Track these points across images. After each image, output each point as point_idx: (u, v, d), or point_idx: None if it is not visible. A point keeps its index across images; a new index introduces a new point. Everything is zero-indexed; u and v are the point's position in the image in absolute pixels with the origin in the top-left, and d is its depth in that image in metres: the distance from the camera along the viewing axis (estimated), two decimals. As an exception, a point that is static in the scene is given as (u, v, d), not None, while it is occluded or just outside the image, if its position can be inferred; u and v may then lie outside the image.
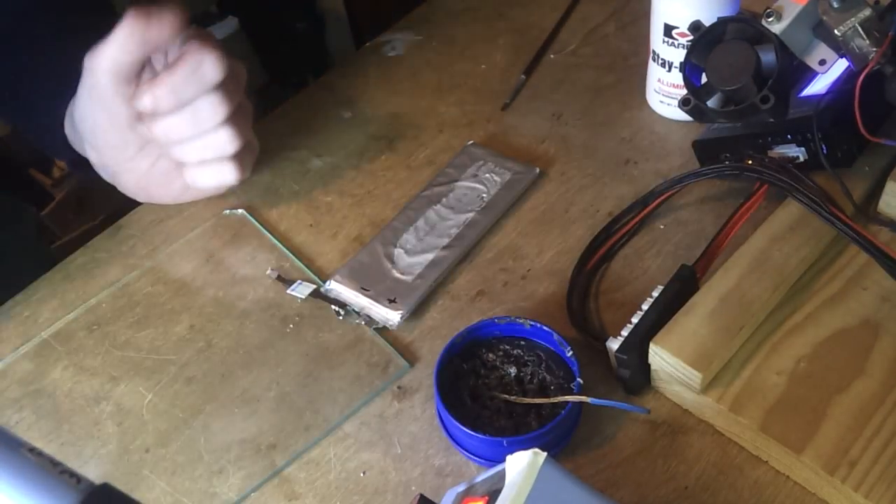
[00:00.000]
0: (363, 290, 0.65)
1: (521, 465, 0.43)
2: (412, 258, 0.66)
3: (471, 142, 0.76)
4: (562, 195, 0.71)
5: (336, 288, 0.65)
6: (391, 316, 0.63)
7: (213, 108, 0.60)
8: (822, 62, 0.60)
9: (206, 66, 0.58)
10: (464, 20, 0.91)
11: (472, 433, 0.53)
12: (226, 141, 0.62)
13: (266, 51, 1.58)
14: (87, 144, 0.65)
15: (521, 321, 0.59)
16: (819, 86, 0.64)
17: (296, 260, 0.69)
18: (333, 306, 0.65)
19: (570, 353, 0.57)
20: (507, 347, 0.59)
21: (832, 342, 0.57)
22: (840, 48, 0.58)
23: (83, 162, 0.68)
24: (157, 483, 0.57)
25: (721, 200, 0.68)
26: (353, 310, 0.64)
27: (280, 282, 0.67)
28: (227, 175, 0.65)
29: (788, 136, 0.62)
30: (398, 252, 0.67)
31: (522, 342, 0.59)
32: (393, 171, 0.75)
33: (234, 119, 0.62)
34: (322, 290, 0.66)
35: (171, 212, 0.74)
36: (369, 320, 0.64)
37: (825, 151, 0.61)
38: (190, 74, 0.58)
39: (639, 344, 0.55)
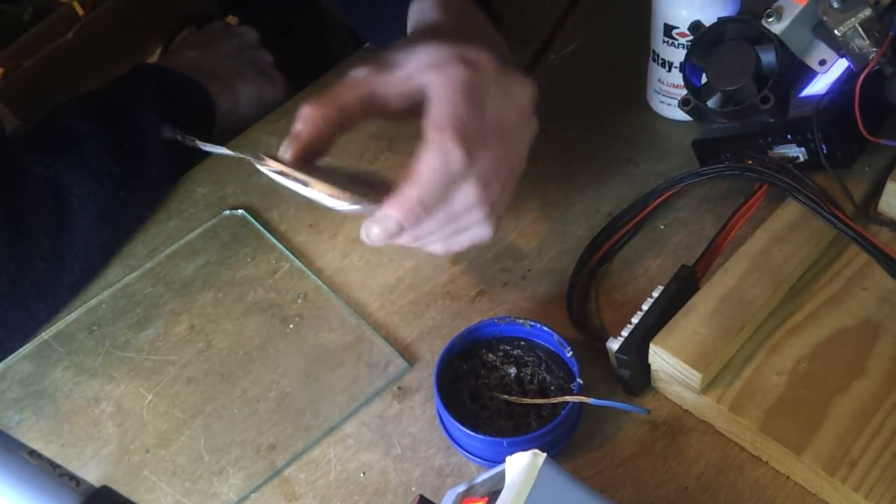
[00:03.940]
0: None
1: (521, 466, 0.43)
2: None
3: (471, 142, 0.76)
4: (562, 195, 0.71)
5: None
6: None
7: (468, 204, 0.53)
8: (822, 62, 0.60)
9: (452, 160, 0.50)
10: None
11: (472, 434, 0.53)
12: (482, 232, 0.56)
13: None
14: None
15: (521, 321, 0.59)
16: (819, 86, 0.64)
17: (296, 260, 0.69)
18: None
19: (570, 353, 0.57)
20: (507, 348, 0.59)
21: (832, 342, 0.57)
22: (840, 48, 0.58)
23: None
24: (158, 484, 0.57)
25: (721, 200, 0.68)
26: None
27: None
28: (480, 235, 0.57)
29: (788, 136, 0.62)
30: None
31: (522, 342, 0.59)
32: (393, 171, 0.75)
33: (495, 206, 0.55)
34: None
35: (171, 212, 0.74)
36: None
37: (825, 151, 0.61)
38: (436, 182, 0.50)
39: (639, 344, 0.55)
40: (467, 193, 0.52)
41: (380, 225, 0.52)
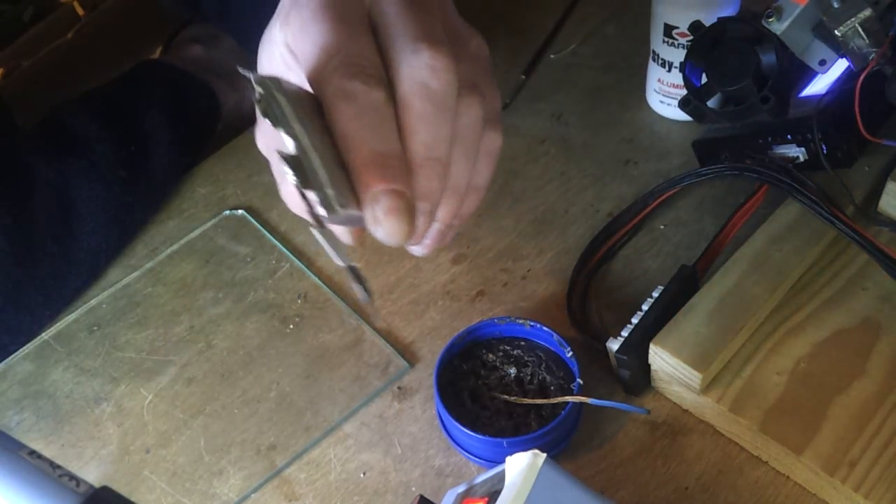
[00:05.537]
0: None
1: (521, 466, 0.43)
2: None
3: (471, 142, 0.76)
4: (562, 195, 0.71)
5: None
6: None
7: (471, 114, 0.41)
8: (822, 62, 0.60)
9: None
10: (463, 20, 0.90)
11: (472, 434, 0.53)
12: (497, 141, 0.44)
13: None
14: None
15: (521, 322, 0.59)
16: (819, 86, 0.64)
17: (296, 260, 0.69)
18: None
19: (570, 353, 0.57)
20: (507, 348, 0.59)
21: (832, 342, 0.57)
22: (840, 48, 0.58)
23: None
24: (158, 484, 0.57)
25: (721, 200, 0.68)
26: None
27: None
28: (497, 144, 0.44)
29: (788, 136, 0.62)
30: None
31: (522, 343, 0.59)
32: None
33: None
34: None
35: (171, 212, 0.74)
36: None
37: (825, 151, 0.61)
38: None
39: (639, 344, 0.55)
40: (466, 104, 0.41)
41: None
